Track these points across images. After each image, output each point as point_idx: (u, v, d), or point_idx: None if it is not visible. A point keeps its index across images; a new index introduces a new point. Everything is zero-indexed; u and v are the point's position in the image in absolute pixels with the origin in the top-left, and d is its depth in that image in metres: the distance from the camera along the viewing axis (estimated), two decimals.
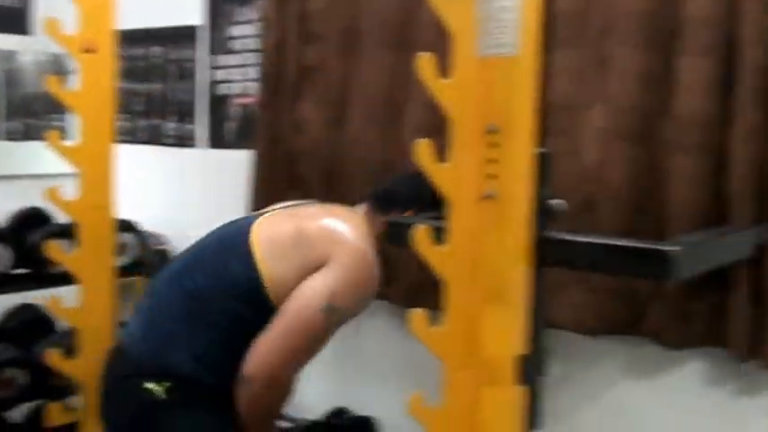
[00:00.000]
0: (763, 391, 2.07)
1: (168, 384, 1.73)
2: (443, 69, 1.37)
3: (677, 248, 1.27)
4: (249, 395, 1.72)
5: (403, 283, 2.42)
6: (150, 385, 1.73)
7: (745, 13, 1.85)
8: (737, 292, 1.92)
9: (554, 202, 2.11)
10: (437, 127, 2.20)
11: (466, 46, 1.37)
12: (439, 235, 1.39)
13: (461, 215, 1.38)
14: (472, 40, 1.36)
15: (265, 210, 1.98)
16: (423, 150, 1.35)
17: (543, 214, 1.37)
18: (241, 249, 1.77)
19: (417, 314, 1.38)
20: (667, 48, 1.97)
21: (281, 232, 1.79)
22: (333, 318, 1.72)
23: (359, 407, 2.73)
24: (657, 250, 1.28)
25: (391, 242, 1.76)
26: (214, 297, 1.77)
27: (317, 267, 1.73)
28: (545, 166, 1.38)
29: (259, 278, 1.73)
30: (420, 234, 1.35)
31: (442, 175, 1.37)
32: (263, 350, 1.70)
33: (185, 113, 3.16)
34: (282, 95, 2.64)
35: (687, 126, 1.93)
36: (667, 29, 1.97)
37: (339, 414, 2.75)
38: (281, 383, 1.75)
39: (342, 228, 1.78)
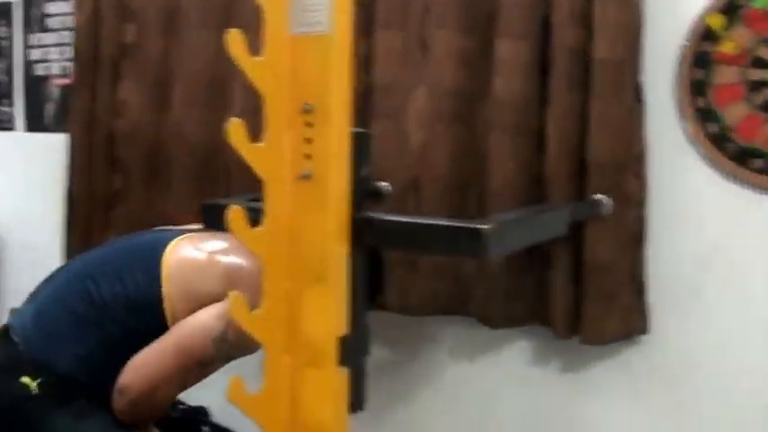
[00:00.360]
0: (588, 366, 2.16)
1: (41, 380, 1.67)
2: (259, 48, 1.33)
3: (490, 226, 1.29)
4: (121, 405, 1.67)
5: None
6: (25, 379, 1.66)
7: None
8: (557, 271, 1.99)
9: (380, 184, 2.14)
10: (261, 108, 2.20)
11: (277, 24, 1.34)
12: (256, 217, 1.36)
13: (277, 196, 1.35)
14: (284, 18, 1.33)
15: (187, 228, 1.90)
16: (235, 130, 1.31)
17: (361, 194, 1.35)
18: (150, 263, 1.72)
19: (235, 297, 1.35)
20: (485, 30, 2.00)
21: (193, 258, 1.73)
22: (223, 348, 1.68)
23: (192, 397, 2.67)
24: (471, 228, 1.30)
25: (207, 225, 1.72)
26: (112, 306, 1.71)
27: (214, 302, 1.68)
28: (363, 146, 1.36)
29: (160, 295, 1.68)
30: (234, 215, 1.31)
31: (257, 156, 1.34)
32: (144, 363, 1.65)
33: (2, 95, 2.99)
34: (99, 75, 2.53)
35: (506, 108, 1.98)
36: (485, 11, 2.00)
37: (172, 405, 2.68)
38: (153, 400, 1.69)
39: (248, 271, 1.70)
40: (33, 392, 1.66)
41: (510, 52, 1.95)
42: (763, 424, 2.00)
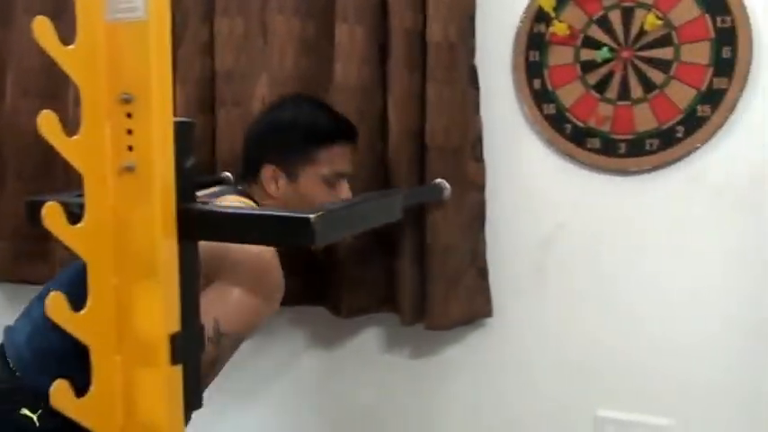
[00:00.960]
0: (437, 351, 2.19)
1: (41, 411, 1.56)
2: None
3: (317, 214, 1.27)
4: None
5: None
6: (26, 411, 1.55)
7: None
8: (403, 257, 2.00)
9: (224, 174, 2.09)
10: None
11: (91, 10, 1.28)
12: (79, 212, 1.30)
13: (98, 190, 1.30)
14: (98, 4, 1.27)
15: None
16: (46, 122, 1.24)
17: (187, 186, 1.31)
18: None
19: (55, 297, 1.28)
20: (325, 15, 1.99)
21: None
22: (225, 343, 1.57)
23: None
24: (298, 218, 1.27)
25: (32, 223, 1.63)
26: None
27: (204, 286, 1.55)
28: (187, 136, 1.32)
29: None
30: (49, 212, 1.25)
31: (74, 149, 1.28)
32: None
33: None
34: None
35: (348, 93, 1.97)
36: None
37: None
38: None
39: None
40: (36, 426, 1.55)
41: (348, 37, 1.93)
42: (604, 396, 2.06)
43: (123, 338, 1.32)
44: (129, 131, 1.28)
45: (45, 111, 1.27)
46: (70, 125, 2.24)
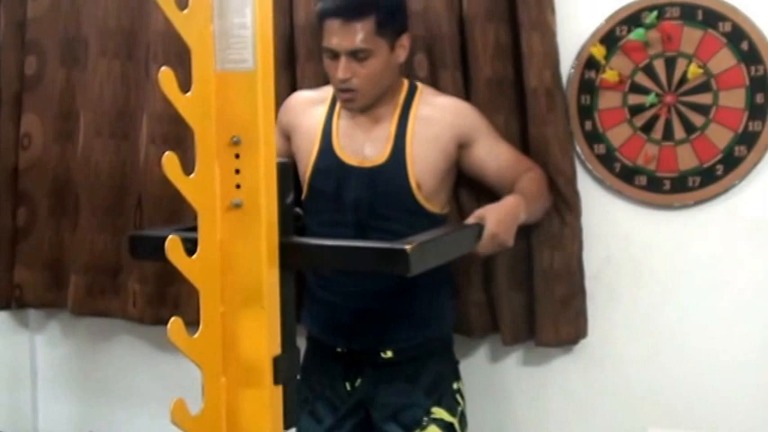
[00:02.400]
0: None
1: None
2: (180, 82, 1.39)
3: (412, 246, 1.39)
4: None
5: (144, 300, 2.41)
6: None
7: None
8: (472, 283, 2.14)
9: (296, 210, 2.21)
10: (173, 136, 2.25)
11: (204, 61, 1.39)
12: (190, 246, 1.41)
13: (210, 225, 1.41)
14: (210, 56, 1.39)
15: None
16: (169, 163, 1.36)
17: (287, 220, 1.43)
18: None
19: (175, 322, 1.38)
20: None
21: None
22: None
23: (108, 429, 2.68)
24: (396, 249, 1.40)
25: (134, 256, 1.75)
26: None
27: None
28: (286, 175, 1.44)
29: None
30: (172, 245, 1.37)
31: (189, 187, 1.39)
32: None
33: None
34: (1, 110, 2.52)
35: None
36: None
37: None
38: None
39: None
40: None
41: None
42: (653, 415, 2.17)
43: (229, 361, 1.43)
44: (237, 171, 1.41)
45: (169, 153, 1.38)
46: (144, 162, 2.39)
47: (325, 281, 2.00)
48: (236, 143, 1.39)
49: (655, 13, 2.05)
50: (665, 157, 2.09)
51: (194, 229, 1.44)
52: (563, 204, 2.10)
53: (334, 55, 1.86)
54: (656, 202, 2.12)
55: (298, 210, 2.19)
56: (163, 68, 1.38)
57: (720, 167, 2.05)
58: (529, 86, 2.07)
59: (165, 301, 2.42)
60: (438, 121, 1.93)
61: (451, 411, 1.96)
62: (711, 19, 2.03)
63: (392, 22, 1.87)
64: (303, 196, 1.98)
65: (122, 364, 2.69)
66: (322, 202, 1.95)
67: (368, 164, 1.92)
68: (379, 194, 1.90)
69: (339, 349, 2.00)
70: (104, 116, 2.43)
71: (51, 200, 2.52)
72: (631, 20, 2.08)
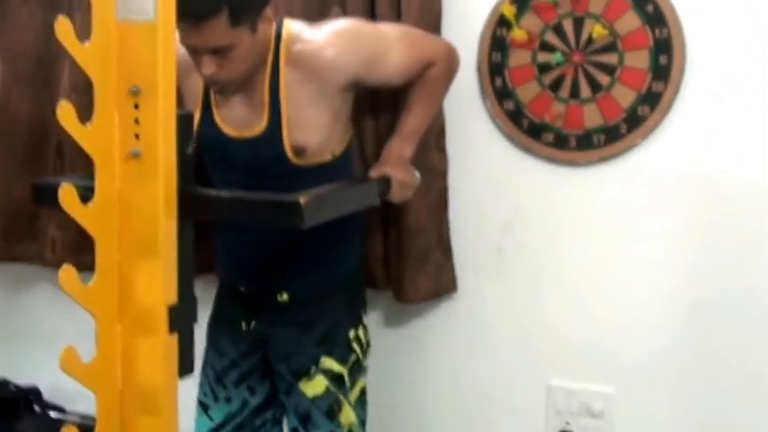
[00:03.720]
0: (406, 322, 2.36)
1: None
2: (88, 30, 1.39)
3: (307, 198, 1.43)
4: None
5: (64, 246, 2.41)
6: None
7: None
8: (375, 238, 2.18)
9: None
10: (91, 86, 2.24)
11: (104, 11, 1.40)
12: (86, 194, 1.42)
13: (107, 174, 1.42)
14: (110, 5, 1.39)
15: None
16: (64, 112, 1.37)
17: (187, 171, 1.45)
18: None
19: (67, 270, 1.40)
20: None
21: None
22: None
23: (22, 376, 2.69)
24: (290, 202, 1.43)
25: (37, 204, 1.76)
26: None
27: None
28: (187, 126, 1.46)
29: None
30: (65, 192, 1.38)
31: (87, 136, 1.40)
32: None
33: None
34: None
35: None
36: None
37: (2, 386, 2.69)
38: None
39: None
40: None
41: None
42: (556, 366, 2.26)
43: (125, 309, 1.45)
44: (137, 121, 1.42)
45: (63, 102, 1.39)
46: None
47: (223, 226, 2.02)
48: (135, 93, 1.40)
49: None
50: (572, 115, 2.14)
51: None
52: (423, 163, 2.13)
53: (195, 51, 1.79)
54: (562, 158, 2.18)
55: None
56: (59, 17, 1.38)
57: (624, 126, 2.12)
58: None
59: (84, 247, 2.41)
60: (313, 79, 1.84)
61: (342, 361, 1.98)
62: None
63: (247, 8, 1.76)
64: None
65: (39, 309, 2.69)
66: (212, 162, 1.95)
67: (247, 134, 1.88)
68: (261, 162, 1.88)
69: (241, 289, 2.04)
70: (25, 64, 2.42)
71: None
72: None
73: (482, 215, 2.27)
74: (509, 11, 2.13)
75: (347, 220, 1.86)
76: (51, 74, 2.41)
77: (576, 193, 2.20)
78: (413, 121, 1.98)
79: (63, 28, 1.39)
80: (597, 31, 2.08)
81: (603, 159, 2.15)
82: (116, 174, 1.42)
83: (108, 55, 1.41)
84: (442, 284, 2.25)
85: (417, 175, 2.01)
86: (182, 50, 1.83)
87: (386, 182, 1.89)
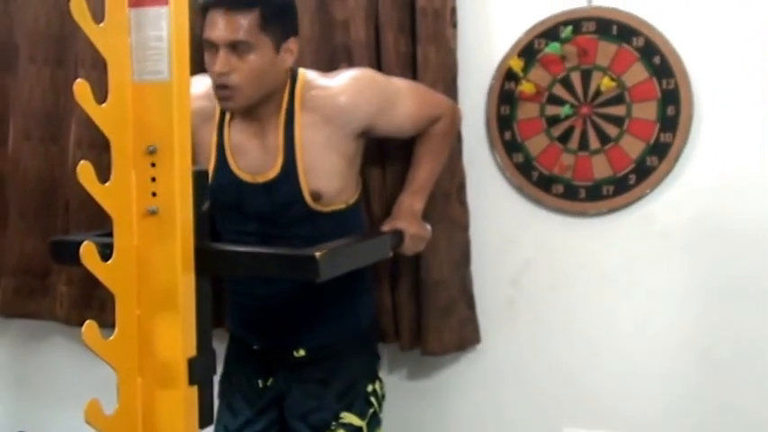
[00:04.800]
0: (430, 373, 2.36)
1: None
2: (103, 88, 1.41)
3: (322, 252, 1.45)
4: None
5: (71, 302, 2.44)
6: None
7: None
8: (400, 290, 2.19)
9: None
10: (100, 141, 2.27)
11: (121, 72, 1.43)
12: (105, 251, 1.44)
13: (126, 231, 1.45)
14: (126, 67, 1.43)
15: None
16: (84, 172, 1.40)
17: (203, 227, 1.47)
18: None
19: (89, 325, 1.42)
20: None
21: None
22: None
23: (39, 429, 2.69)
24: (306, 256, 1.45)
25: (56, 261, 1.78)
26: None
27: None
28: (202, 183, 1.48)
29: None
30: (86, 250, 1.40)
31: (106, 195, 1.43)
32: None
33: None
34: None
35: None
36: None
37: None
38: None
39: None
40: None
41: None
42: (569, 415, 2.25)
43: (145, 363, 1.47)
44: (153, 179, 1.45)
45: (83, 162, 1.42)
46: (72, 166, 2.41)
47: (236, 282, 2.03)
48: (152, 152, 1.43)
49: (570, 28, 2.13)
50: (581, 167, 2.17)
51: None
52: (446, 216, 2.17)
53: (214, 48, 1.80)
54: (572, 209, 2.20)
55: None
56: (78, 81, 1.42)
57: (633, 177, 2.14)
58: None
59: (90, 303, 2.45)
60: (327, 124, 1.87)
61: (361, 415, 1.99)
62: (625, 34, 2.12)
63: (278, 20, 1.82)
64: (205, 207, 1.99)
65: (53, 364, 2.70)
66: (225, 212, 1.96)
67: (261, 179, 1.90)
68: (277, 207, 1.90)
69: (255, 347, 2.04)
70: (34, 120, 2.46)
71: None
72: (549, 33, 2.16)
73: (493, 266, 2.28)
74: (517, 64, 2.17)
75: (360, 273, 1.88)
76: (59, 130, 2.46)
77: (587, 243, 2.21)
78: (421, 177, 2.02)
79: (81, 90, 1.42)
80: (605, 83, 2.12)
81: (613, 210, 2.17)
82: (134, 231, 1.45)
83: (125, 115, 1.44)
84: (466, 337, 2.26)
85: (429, 228, 2.03)
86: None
87: (399, 235, 1.91)
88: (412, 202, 2.00)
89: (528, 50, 2.18)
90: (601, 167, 2.16)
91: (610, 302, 2.21)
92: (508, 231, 2.26)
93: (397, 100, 1.95)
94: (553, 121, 2.18)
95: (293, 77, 1.91)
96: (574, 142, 2.17)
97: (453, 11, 2.16)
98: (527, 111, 2.19)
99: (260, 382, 2.04)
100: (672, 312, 2.16)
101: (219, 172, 1.93)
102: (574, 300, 2.23)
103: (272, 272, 1.54)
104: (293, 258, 1.49)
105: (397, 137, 2.03)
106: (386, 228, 1.93)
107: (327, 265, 1.47)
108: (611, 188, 2.16)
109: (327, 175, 1.89)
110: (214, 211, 1.96)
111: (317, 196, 1.89)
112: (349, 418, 1.98)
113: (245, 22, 1.77)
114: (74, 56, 2.41)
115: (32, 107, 2.47)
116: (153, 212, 1.43)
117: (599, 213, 2.18)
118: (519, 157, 2.21)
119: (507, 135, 2.22)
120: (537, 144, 2.20)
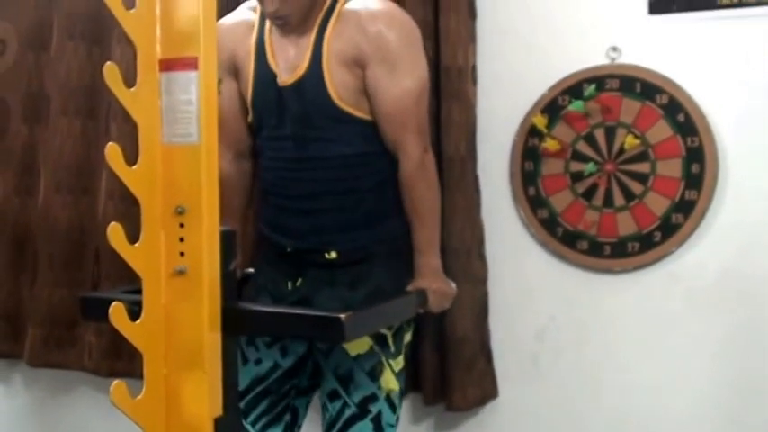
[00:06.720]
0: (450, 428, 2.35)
1: None
2: (134, 140, 1.43)
3: (347, 315, 1.46)
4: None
5: (100, 353, 2.45)
6: None
7: None
8: (425, 345, 2.20)
9: (247, 271, 2.27)
10: (131, 194, 2.31)
11: (151, 135, 1.46)
12: (134, 309, 1.46)
13: (154, 291, 1.46)
14: (156, 130, 1.45)
15: None
16: (114, 234, 1.42)
17: (231, 286, 1.48)
18: None
19: (118, 385, 1.43)
20: None
21: None
22: None
23: None
24: (331, 317, 1.46)
25: (85, 317, 1.80)
26: None
27: None
28: (230, 243, 1.50)
29: None
30: (115, 311, 1.42)
31: (135, 255, 1.45)
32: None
33: None
34: None
35: None
36: None
37: None
38: None
39: None
40: None
41: None
42: None
43: (172, 423, 1.48)
44: (182, 239, 1.47)
45: (113, 224, 1.44)
46: (102, 218, 2.43)
47: (272, 184, 2.06)
48: (180, 213, 1.46)
49: (593, 86, 2.15)
50: (606, 223, 2.17)
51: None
52: (467, 271, 2.18)
53: None
54: (597, 266, 2.20)
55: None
56: (109, 144, 1.44)
57: (659, 234, 2.14)
58: (445, 155, 2.16)
59: (120, 353, 2.46)
60: (343, 36, 1.93)
61: None
62: (649, 91, 2.13)
63: None
64: (249, 118, 2.04)
65: (80, 414, 2.71)
66: (265, 119, 2.01)
67: (292, 79, 1.95)
68: (308, 105, 1.94)
69: (288, 249, 2.04)
70: (64, 172, 2.50)
71: (11, 253, 2.57)
72: (572, 90, 2.18)
73: (517, 322, 2.28)
74: (540, 121, 2.19)
75: (392, 180, 1.94)
76: (90, 181, 2.49)
77: (612, 300, 2.21)
78: (420, 237, 1.99)
79: (112, 153, 1.44)
80: (629, 141, 2.13)
81: (638, 267, 2.17)
82: (162, 290, 1.47)
83: (154, 177, 1.46)
84: (486, 391, 2.25)
85: (453, 285, 2.03)
86: (227, 23, 2.02)
87: (422, 294, 1.92)
88: (427, 261, 1.98)
89: (551, 107, 2.20)
90: (625, 224, 2.16)
91: (635, 360, 2.20)
92: (532, 287, 2.26)
93: (405, 69, 1.93)
94: (577, 177, 2.19)
95: None
96: (598, 199, 2.17)
97: (474, 68, 2.19)
98: (551, 167, 2.21)
99: (289, 284, 2.04)
100: (699, 374, 2.15)
101: (259, 71, 2.00)
102: (598, 357, 2.22)
103: (298, 333, 1.55)
104: (319, 319, 1.49)
105: (373, 116, 1.97)
106: (410, 288, 1.94)
107: (352, 328, 1.48)
108: (637, 245, 2.15)
109: (343, 84, 1.93)
110: (255, 122, 2.03)
111: (339, 97, 1.93)
112: None
113: None
114: (105, 108, 2.45)
115: (63, 159, 2.50)
116: (181, 272, 1.45)
117: (624, 270, 2.18)
118: (544, 213, 2.22)
119: (531, 191, 2.23)
120: (561, 200, 2.20)
